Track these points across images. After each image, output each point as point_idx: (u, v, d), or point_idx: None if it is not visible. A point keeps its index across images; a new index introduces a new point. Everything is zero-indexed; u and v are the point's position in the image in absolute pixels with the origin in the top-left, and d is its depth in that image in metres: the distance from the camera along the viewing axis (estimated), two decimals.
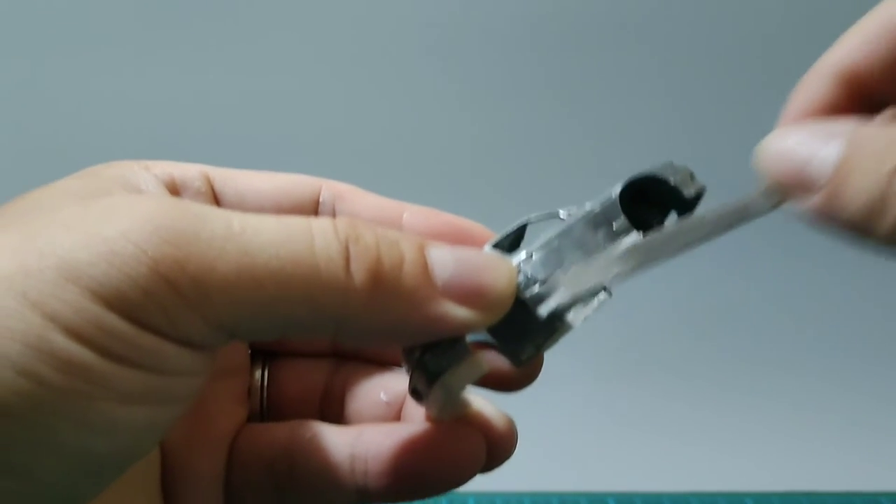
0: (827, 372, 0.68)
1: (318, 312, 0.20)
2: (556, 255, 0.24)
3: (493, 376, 0.25)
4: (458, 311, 0.21)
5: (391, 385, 0.27)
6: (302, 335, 0.21)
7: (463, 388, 0.24)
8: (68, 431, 0.18)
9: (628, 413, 0.65)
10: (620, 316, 0.68)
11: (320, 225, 0.21)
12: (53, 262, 0.18)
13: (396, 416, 0.27)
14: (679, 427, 0.64)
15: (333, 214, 0.27)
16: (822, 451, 0.61)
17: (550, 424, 0.61)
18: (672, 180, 0.25)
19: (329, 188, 0.28)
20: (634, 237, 0.24)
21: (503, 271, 0.22)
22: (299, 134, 0.74)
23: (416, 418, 0.26)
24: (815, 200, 0.21)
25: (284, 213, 0.26)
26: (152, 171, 0.25)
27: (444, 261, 0.22)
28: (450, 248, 0.22)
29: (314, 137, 0.74)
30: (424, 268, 0.21)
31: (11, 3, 0.72)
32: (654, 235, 0.24)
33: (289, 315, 0.20)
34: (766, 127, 0.25)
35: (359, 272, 0.20)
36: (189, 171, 0.26)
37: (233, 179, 0.27)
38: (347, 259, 0.20)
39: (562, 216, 0.25)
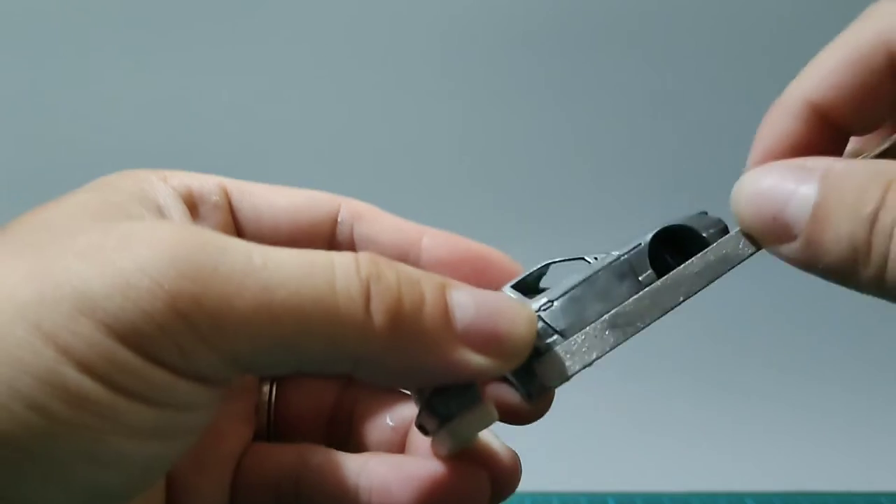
0: (827, 372, 0.68)
1: (335, 351, 0.20)
2: (577, 305, 0.23)
3: (503, 409, 0.25)
4: (474, 358, 0.21)
5: (398, 410, 0.27)
6: (317, 371, 0.21)
7: (472, 435, 0.24)
8: (78, 465, 0.18)
9: (628, 413, 0.65)
10: None
11: (342, 262, 0.20)
12: (68, 292, 0.18)
13: (402, 442, 0.27)
14: (679, 427, 0.64)
15: (351, 235, 0.27)
16: (822, 451, 0.61)
17: (550, 424, 0.60)
18: (705, 234, 0.24)
19: (348, 207, 0.27)
20: None
21: (523, 320, 0.22)
22: (307, 139, 0.74)
23: (422, 447, 0.25)
24: (793, 248, 0.21)
25: (302, 231, 0.26)
26: (170, 183, 0.25)
27: (465, 304, 0.21)
28: (471, 291, 0.22)
29: (321, 144, 0.74)
30: (444, 311, 0.21)
31: (22, 4, 0.72)
32: (635, 300, 0.23)
33: (305, 353, 0.20)
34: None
35: (378, 313, 0.20)
36: (207, 184, 0.26)
37: (250, 194, 0.26)
38: (368, 298, 0.20)
39: (588, 260, 0.25)
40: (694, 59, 0.75)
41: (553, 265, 0.26)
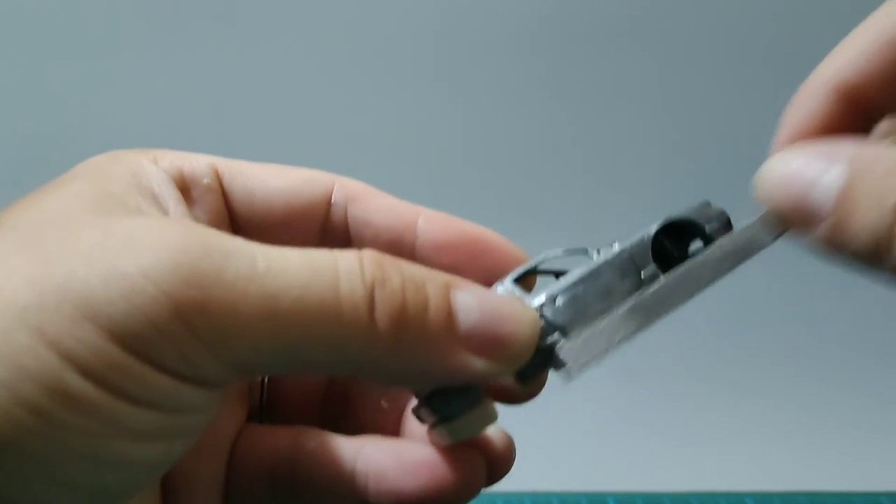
0: (827, 372, 0.68)
1: (338, 357, 0.20)
2: (579, 302, 0.23)
3: (497, 390, 0.25)
4: (476, 363, 0.21)
5: (393, 392, 0.27)
6: (318, 373, 0.21)
7: (471, 435, 0.24)
8: (80, 468, 0.18)
9: (628, 413, 0.65)
10: None
11: (346, 265, 0.20)
12: (71, 297, 0.18)
13: (397, 423, 0.27)
14: (679, 427, 0.64)
15: (345, 216, 0.27)
16: (822, 451, 0.60)
17: (551, 424, 0.60)
18: (708, 228, 0.24)
19: (342, 187, 0.27)
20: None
21: (526, 323, 0.22)
22: (301, 129, 0.74)
23: (417, 429, 0.26)
24: (819, 231, 0.21)
25: (295, 213, 0.26)
26: (161, 165, 0.25)
27: (469, 307, 0.21)
28: (475, 292, 0.22)
29: (317, 135, 0.74)
30: (448, 314, 0.21)
31: None
32: (656, 289, 0.23)
33: (308, 358, 0.20)
34: (769, 130, 0.25)
35: (382, 319, 0.20)
36: (198, 166, 0.26)
37: (242, 174, 0.26)
38: (372, 304, 0.20)
39: (590, 253, 0.25)
40: (695, 54, 0.75)
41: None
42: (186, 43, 0.73)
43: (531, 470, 0.52)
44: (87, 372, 0.18)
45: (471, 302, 0.21)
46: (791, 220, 0.22)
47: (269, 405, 0.28)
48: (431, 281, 0.21)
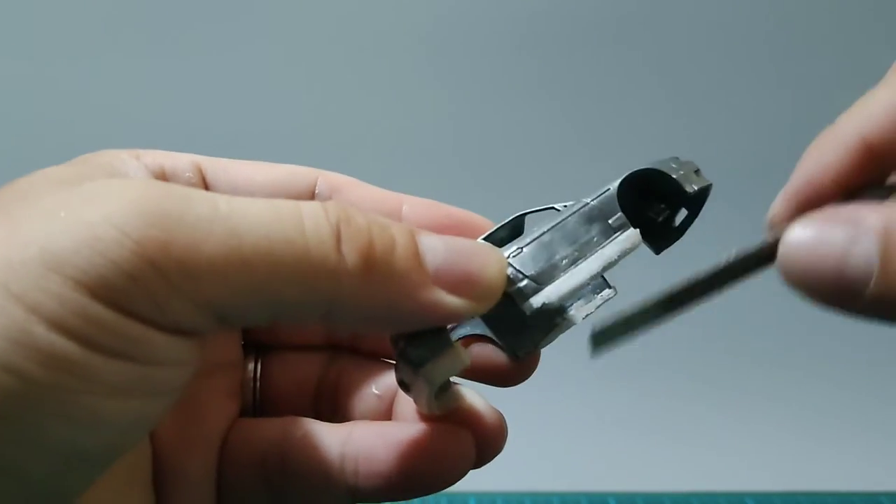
0: (827, 372, 0.68)
1: (308, 294, 0.20)
2: (546, 250, 0.24)
3: (491, 370, 0.25)
4: (448, 299, 0.21)
5: (383, 379, 0.27)
6: (293, 319, 0.21)
7: (444, 379, 0.24)
8: (55, 428, 0.18)
9: (628, 413, 0.65)
10: None
11: (310, 207, 0.20)
12: (35, 251, 0.18)
13: (388, 410, 0.27)
14: (679, 427, 0.64)
15: None
16: (822, 451, 0.61)
17: (551, 424, 0.60)
18: (674, 175, 0.24)
19: (326, 180, 0.27)
20: (630, 233, 0.24)
21: (493, 260, 0.22)
22: (293, 127, 0.74)
23: (408, 413, 0.26)
24: (862, 303, 0.20)
25: None
26: (143, 161, 0.25)
27: (435, 248, 0.21)
28: (440, 236, 0.22)
29: (309, 132, 0.74)
30: (416, 253, 0.21)
31: None
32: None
33: (279, 297, 0.20)
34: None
35: (350, 254, 0.20)
36: (180, 161, 0.26)
37: (225, 170, 0.26)
38: (338, 240, 0.20)
39: (558, 209, 0.25)
40: (686, 49, 0.75)
41: (527, 218, 0.26)
42: (183, 42, 0.74)
43: (531, 470, 0.53)
44: (55, 324, 0.17)
45: (436, 243, 0.22)
46: (824, 294, 0.20)
47: (261, 403, 0.28)
48: (396, 225, 0.21)
